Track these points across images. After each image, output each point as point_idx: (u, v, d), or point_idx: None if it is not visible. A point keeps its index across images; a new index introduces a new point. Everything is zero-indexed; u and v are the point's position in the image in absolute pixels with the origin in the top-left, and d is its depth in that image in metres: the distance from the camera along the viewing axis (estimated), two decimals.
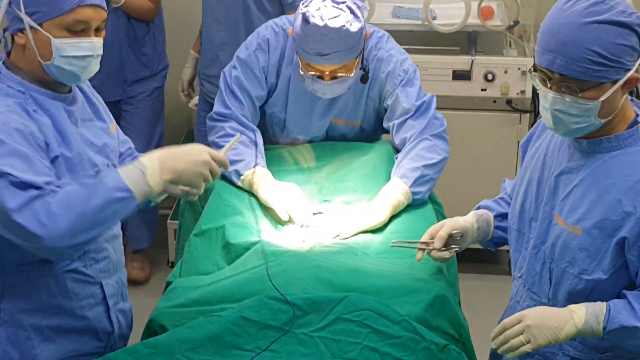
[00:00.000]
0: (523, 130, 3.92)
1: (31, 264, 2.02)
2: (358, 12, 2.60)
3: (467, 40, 3.97)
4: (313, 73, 2.64)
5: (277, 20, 2.85)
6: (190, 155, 2.00)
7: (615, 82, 1.85)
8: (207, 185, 2.56)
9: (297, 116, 2.84)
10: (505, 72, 3.85)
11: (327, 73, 2.63)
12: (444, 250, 2.21)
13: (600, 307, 1.90)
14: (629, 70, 1.85)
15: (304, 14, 2.56)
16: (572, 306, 1.92)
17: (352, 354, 1.96)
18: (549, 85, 1.89)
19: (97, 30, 2.05)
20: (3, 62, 2.05)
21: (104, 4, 2.05)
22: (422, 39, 3.93)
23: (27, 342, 2.06)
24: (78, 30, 2.00)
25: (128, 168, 1.96)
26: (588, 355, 2.02)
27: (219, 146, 2.66)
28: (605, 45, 1.82)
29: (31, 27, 1.98)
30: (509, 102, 3.88)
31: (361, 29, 2.60)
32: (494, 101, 3.89)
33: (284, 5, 3.66)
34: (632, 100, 1.99)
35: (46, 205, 1.88)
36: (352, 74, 2.65)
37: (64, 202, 1.89)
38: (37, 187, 1.89)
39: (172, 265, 3.78)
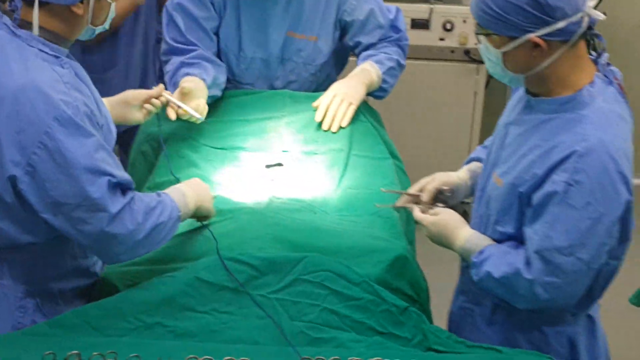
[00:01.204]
0: (480, 81, 3.89)
1: (61, 236, 1.95)
2: None
3: None
4: None
5: None
6: (206, 194, 2.16)
7: (512, 38, 1.87)
8: (158, 134, 2.53)
9: (253, 32, 2.77)
10: (464, 21, 3.80)
11: None
12: (429, 206, 2.19)
13: (482, 242, 2.02)
14: (528, 32, 1.85)
15: None
16: (464, 230, 2.06)
17: (311, 316, 1.92)
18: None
19: None
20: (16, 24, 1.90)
21: None
22: None
23: (55, 309, 2.01)
24: None
25: (173, 192, 2.06)
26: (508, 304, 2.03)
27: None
28: None
29: None
30: (466, 52, 3.83)
31: None
32: (452, 51, 3.85)
33: None
34: (601, 62, 1.95)
35: (133, 212, 1.90)
36: None
37: (144, 212, 1.93)
38: (131, 189, 1.92)
39: None
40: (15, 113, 1.80)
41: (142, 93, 2.36)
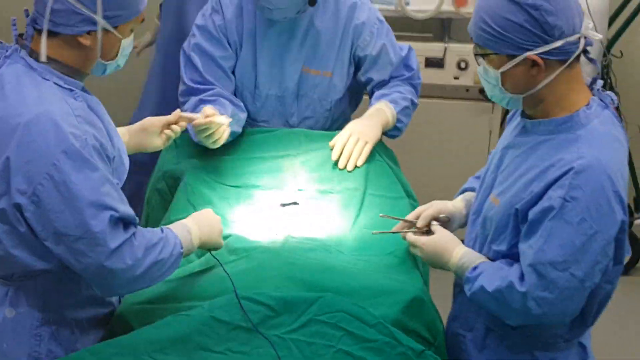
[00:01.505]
0: (495, 119, 3.89)
1: None
2: None
3: (440, 27, 3.92)
4: None
5: None
6: (214, 228, 2.16)
7: (511, 57, 1.90)
8: (175, 173, 2.54)
9: (268, 68, 2.79)
10: None
11: None
12: (424, 232, 2.21)
13: (477, 259, 2.04)
14: (527, 49, 1.89)
15: None
16: (457, 248, 2.09)
17: (326, 358, 1.90)
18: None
19: None
20: (30, 55, 1.95)
21: None
22: (394, 25, 3.80)
23: (70, 338, 2.03)
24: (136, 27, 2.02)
25: (177, 228, 2.07)
26: (502, 326, 2.06)
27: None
28: (493, 16, 1.90)
29: (103, 29, 1.94)
30: (481, 91, 3.83)
31: None
32: (467, 90, 3.85)
33: None
34: (596, 87, 2.00)
35: (133, 248, 1.91)
36: None
37: (145, 247, 1.93)
38: (133, 225, 1.93)
39: None
40: (26, 143, 1.83)
41: (161, 119, 2.38)
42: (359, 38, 2.81)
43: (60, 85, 1.92)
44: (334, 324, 1.95)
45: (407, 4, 3.87)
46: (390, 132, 2.81)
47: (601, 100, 1.98)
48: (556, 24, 1.87)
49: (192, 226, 2.09)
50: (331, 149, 2.65)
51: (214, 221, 2.17)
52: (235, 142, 2.73)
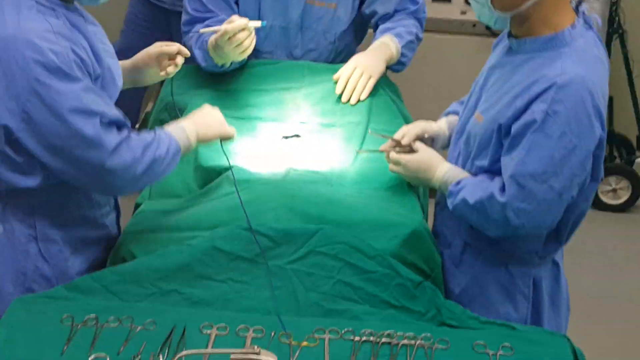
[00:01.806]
0: None
1: (62, 183, 2.00)
2: None
3: None
4: None
5: None
6: (211, 119, 2.23)
7: None
8: (178, 104, 2.54)
9: None
10: None
11: None
12: (408, 151, 2.23)
13: (460, 174, 2.09)
14: None
15: None
16: (443, 164, 2.14)
17: (325, 288, 1.93)
18: None
19: None
20: None
21: None
22: None
23: (59, 255, 2.06)
24: None
25: (171, 127, 2.13)
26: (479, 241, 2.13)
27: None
28: None
29: None
30: (488, 27, 3.80)
31: None
32: (474, 25, 3.81)
33: None
34: (581, 8, 2.03)
35: (130, 147, 1.96)
36: None
37: (142, 147, 1.99)
38: (126, 127, 1.98)
39: None
40: (6, 62, 1.85)
41: (153, 52, 2.36)
42: None
43: (42, 4, 1.92)
44: (334, 255, 1.97)
45: None
46: (395, 66, 2.79)
47: (585, 21, 2.02)
48: None
49: (185, 123, 2.16)
50: (335, 82, 2.64)
51: (209, 114, 2.23)
52: (238, 73, 2.72)
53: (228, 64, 2.61)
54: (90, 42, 2.00)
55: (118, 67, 2.13)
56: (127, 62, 2.35)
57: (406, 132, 2.28)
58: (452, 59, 3.86)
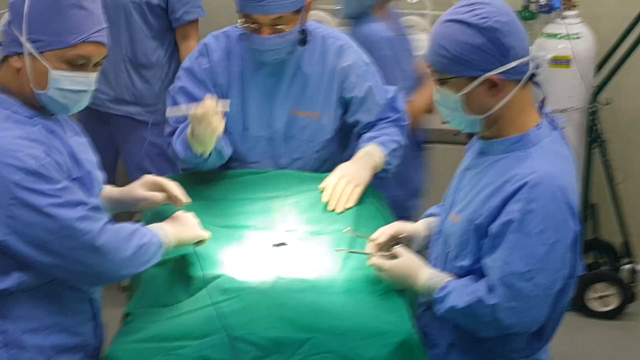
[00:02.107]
0: None
1: (39, 287, 2.01)
2: None
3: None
4: (253, 25, 2.67)
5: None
6: (186, 223, 2.31)
7: (471, 79, 2.01)
8: (166, 213, 2.56)
9: (257, 111, 2.83)
10: None
11: (264, 26, 2.66)
12: (385, 254, 2.26)
13: (443, 278, 2.12)
14: (486, 71, 2.00)
15: None
16: (425, 269, 2.16)
17: None
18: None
19: (95, 65, 2.03)
20: None
21: (107, 41, 2.03)
22: None
23: None
24: (77, 64, 1.99)
25: (151, 226, 2.20)
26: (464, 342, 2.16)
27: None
28: (449, 41, 2.00)
29: (30, 54, 1.95)
30: (470, 135, 3.86)
31: None
32: (455, 134, 3.87)
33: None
34: (545, 110, 2.13)
35: (116, 230, 2.02)
36: (291, 28, 2.69)
37: (128, 231, 2.06)
38: (106, 213, 2.05)
39: (124, 289, 3.67)
40: None
41: (138, 196, 2.45)
42: (346, 80, 2.85)
43: (18, 114, 1.98)
44: None
45: None
46: (380, 173, 2.83)
47: (552, 121, 2.12)
48: (511, 45, 2.00)
49: (162, 224, 2.25)
50: (321, 192, 2.67)
51: (184, 217, 2.31)
52: (225, 183, 2.76)
53: (207, 155, 2.65)
54: (68, 147, 2.05)
55: (99, 178, 2.19)
56: (114, 191, 2.43)
57: (382, 232, 2.33)
58: (435, 167, 3.91)
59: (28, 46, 1.94)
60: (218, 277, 2.28)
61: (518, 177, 2.00)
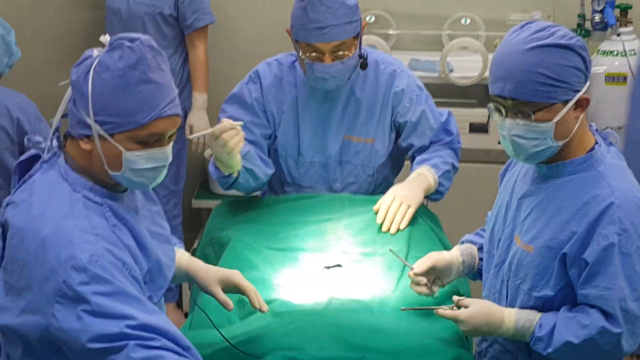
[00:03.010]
0: None
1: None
2: None
3: (484, 93, 3.95)
4: (314, 54, 2.69)
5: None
6: None
7: (565, 102, 1.95)
8: (222, 239, 2.57)
9: (311, 137, 2.86)
10: None
11: (327, 53, 2.68)
12: (424, 285, 2.26)
13: (532, 315, 2.04)
14: (577, 91, 1.96)
15: None
16: (505, 312, 2.06)
17: None
18: (503, 113, 1.98)
19: (170, 137, 1.87)
20: (66, 161, 1.87)
21: (180, 110, 1.87)
22: (438, 92, 3.90)
23: None
24: (151, 141, 1.83)
25: None
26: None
27: None
28: (550, 66, 1.93)
29: (100, 136, 1.80)
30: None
31: (357, 6, 2.71)
32: None
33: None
34: (593, 128, 2.08)
35: None
36: (352, 53, 2.71)
37: None
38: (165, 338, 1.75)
39: (186, 315, 3.73)
40: (41, 260, 1.75)
41: (213, 278, 2.19)
42: (399, 105, 2.86)
43: (89, 199, 1.84)
44: None
45: (451, 71, 3.93)
46: (432, 195, 2.83)
47: (603, 138, 2.09)
48: (589, 59, 1.98)
49: None
50: (374, 213, 2.68)
51: None
52: (279, 208, 2.78)
53: (235, 174, 2.66)
54: (137, 235, 1.89)
55: (171, 253, 2.04)
56: (189, 267, 2.21)
57: (420, 264, 2.29)
58: (491, 188, 3.88)
59: (97, 128, 1.79)
60: (273, 301, 2.30)
61: (601, 198, 1.96)
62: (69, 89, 1.84)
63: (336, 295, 2.35)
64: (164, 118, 1.81)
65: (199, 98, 4.01)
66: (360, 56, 2.79)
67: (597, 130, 2.10)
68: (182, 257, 2.20)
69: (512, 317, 2.06)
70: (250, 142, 2.78)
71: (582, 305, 2.00)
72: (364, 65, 2.80)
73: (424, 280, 2.25)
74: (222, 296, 2.14)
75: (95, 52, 1.82)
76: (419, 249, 2.57)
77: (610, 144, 2.09)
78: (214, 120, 3.99)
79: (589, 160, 2.03)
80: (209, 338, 2.22)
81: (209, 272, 2.18)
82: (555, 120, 1.95)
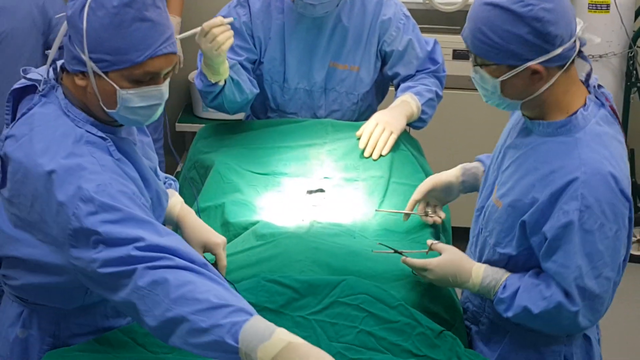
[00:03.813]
0: None
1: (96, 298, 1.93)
2: None
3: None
4: None
5: None
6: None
7: (511, 67, 1.89)
8: (206, 162, 2.59)
9: (297, 63, 2.86)
10: None
11: None
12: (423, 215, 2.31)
13: (500, 275, 2.03)
14: (528, 60, 1.88)
15: None
16: (474, 268, 2.05)
17: (348, 338, 1.96)
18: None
19: (166, 74, 1.85)
20: (65, 95, 1.86)
21: (176, 49, 1.84)
22: (422, 18, 3.90)
23: None
24: (146, 80, 1.81)
25: (259, 328, 1.69)
26: (506, 322, 2.08)
27: None
28: (493, 27, 1.87)
29: (95, 73, 1.79)
30: None
31: None
32: None
33: None
34: (591, 86, 2.00)
35: (166, 287, 1.69)
36: None
37: (180, 297, 1.69)
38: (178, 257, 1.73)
39: None
40: (52, 194, 1.75)
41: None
42: (386, 33, 2.87)
43: (93, 133, 1.84)
44: (357, 305, 2.00)
45: None
46: (415, 123, 2.86)
47: (597, 98, 2.00)
48: (557, 34, 1.87)
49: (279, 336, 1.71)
50: (357, 139, 2.71)
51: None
52: (263, 132, 2.81)
53: (221, 83, 2.67)
54: (139, 168, 1.91)
55: (160, 183, 2.04)
56: (175, 212, 2.20)
57: (419, 188, 2.32)
58: (473, 115, 3.92)
59: (91, 65, 1.78)
60: (255, 223, 2.34)
61: (566, 170, 1.90)
62: (65, 23, 1.83)
63: (318, 219, 2.40)
64: (159, 57, 1.79)
65: (172, 20, 3.95)
66: None
67: (595, 87, 2.01)
68: (175, 205, 2.20)
69: (479, 273, 2.05)
70: (240, 62, 2.78)
71: (547, 274, 1.99)
72: None
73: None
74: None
75: None
76: (400, 175, 2.61)
77: (603, 105, 1.99)
78: (188, 56, 3.98)
79: (567, 125, 1.95)
80: None
81: (195, 233, 2.16)
82: (498, 79, 1.91)
